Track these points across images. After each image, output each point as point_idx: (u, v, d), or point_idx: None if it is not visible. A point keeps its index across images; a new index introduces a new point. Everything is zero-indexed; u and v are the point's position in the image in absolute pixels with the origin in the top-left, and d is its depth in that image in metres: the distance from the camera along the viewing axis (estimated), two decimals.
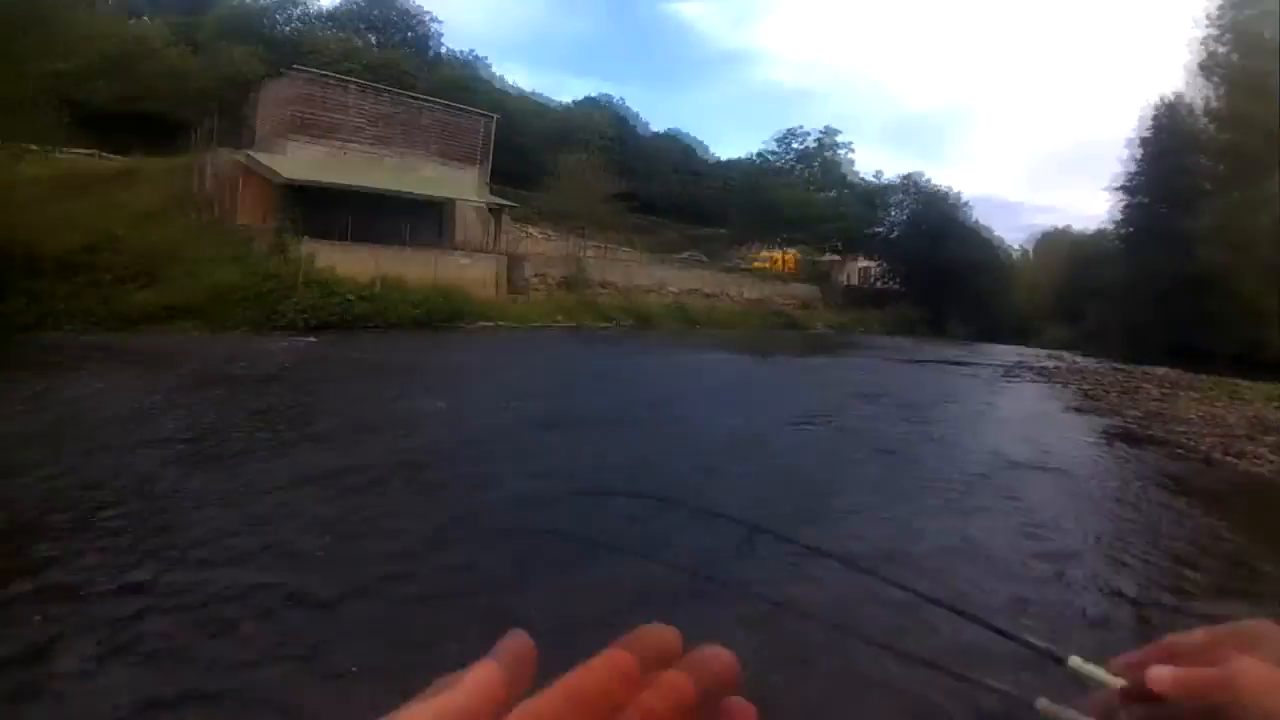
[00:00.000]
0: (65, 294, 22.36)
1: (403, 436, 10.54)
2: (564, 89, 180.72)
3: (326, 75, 37.98)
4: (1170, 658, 0.60)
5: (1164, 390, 23.54)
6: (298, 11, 61.54)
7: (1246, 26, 50.49)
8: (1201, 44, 55.29)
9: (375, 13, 62.90)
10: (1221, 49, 53.96)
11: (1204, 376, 27.56)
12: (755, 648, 4.60)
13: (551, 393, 16.17)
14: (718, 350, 29.29)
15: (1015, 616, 5.72)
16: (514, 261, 37.87)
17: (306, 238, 28.34)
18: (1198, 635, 0.62)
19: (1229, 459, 13.15)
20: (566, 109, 74.59)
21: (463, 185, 40.46)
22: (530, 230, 49.36)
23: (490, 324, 31.47)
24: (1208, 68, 55.31)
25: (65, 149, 29.67)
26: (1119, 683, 0.61)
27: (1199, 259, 50.57)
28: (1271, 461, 12.84)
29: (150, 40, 46.05)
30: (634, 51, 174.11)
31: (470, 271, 34.19)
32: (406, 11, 64.88)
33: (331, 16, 62.56)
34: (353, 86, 38.13)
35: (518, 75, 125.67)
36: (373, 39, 60.52)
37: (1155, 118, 65.09)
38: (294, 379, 15.80)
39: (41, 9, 21.61)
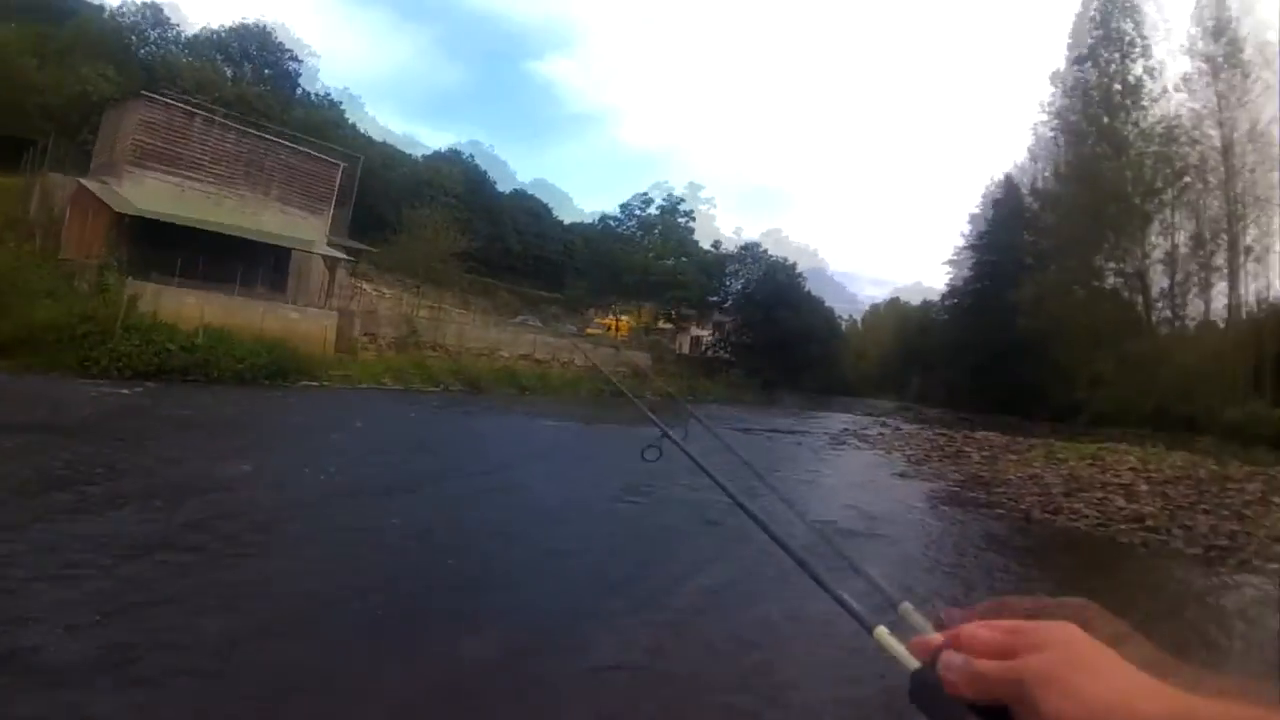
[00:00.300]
0: None
1: (195, 503, 10.11)
2: (421, 141, 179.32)
3: (175, 103, 36.94)
4: (993, 618, 0.65)
5: (985, 454, 24.94)
6: (157, 34, 59.43)
7: (1079, 111, 56.50)
8: (1033, 128, 61.75)
9: (235, 45, 61.54)
10: (1051, 133, 60.20)
11: (1022, 439, 29.03)
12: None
13: (363, 460, 16.07)
14: (546, 418, 29.72)
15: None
16: (346, 318, 37.43)
17: (131, 278, 27.43)
18: (1021, 606, 0.67)
19: (1048, 516, 14.37)
20: (418, 161, 74.58)
21: (306, 233, 39.79)
22: (365, 285, 48.89)
23: (315, 383, 30.95)
24: (1035, 151, 61.67)
25: None
26: (913, 663, 0.65)
27: (1019, 328, 55.96)
28: (1087, 516, 14.14)
29: (6, 47, 43.45)
30: (495, 108, 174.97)
31: (301, 325, 33.59)
32: (269, 47, 63.78)
33: (191, 44, 60.64)
34: (200, 119, 37.13)
35: (376, 123, 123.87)
36: (229, 72, 58.92)
37: (987, 196, 71.21)
38: (99, 433, 15.20)
39: None
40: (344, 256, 40.69)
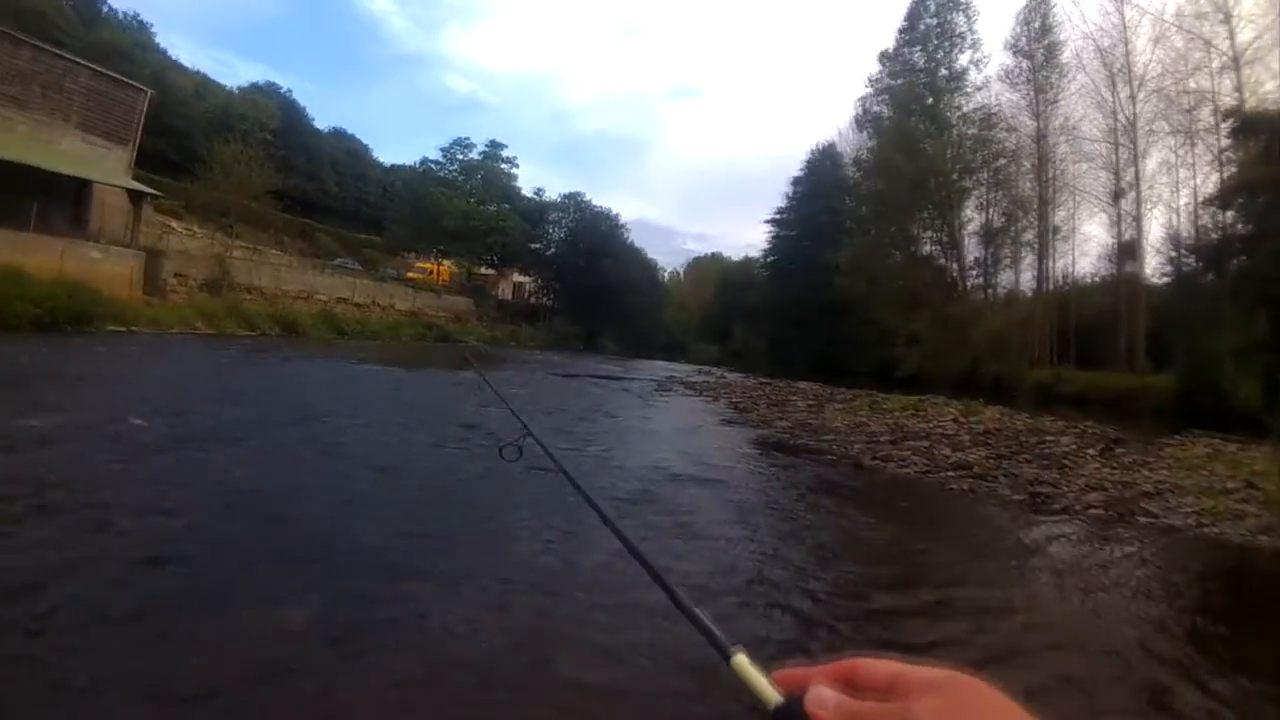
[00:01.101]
0: None
1: None
2: (233, 72, 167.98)
3: None
4: (845, 681, 0.60)
5: (810, 403, 25.44)
6: None
7: (903, 90, 60.63)
8: (860, 101, 65.67)
9: None
10: (877, 108, 64.15)
11: (845, 390, 29.77)
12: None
13: (178, 408, 14.90)
14: (367, 364, 28.95)
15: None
16: (153, 258, 35.34)
17: None
18: (882, 666, 0.61)
19: (878, 463, 14.72)
20: (231, 93, 70.26)
21: (106, 165, 37.22)
22: (174, 224, 46.20)
23: (122, 329, 29.19)
24: (862, 122, 65.52)
25: None
26: (775, 698, 0.60)
27: (838, 288, 59.40)
28: (916, 463, 14.59)
29: None
30: (313, 41, 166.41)
31: (103, 266, 31.53)
32: None
33: None
34: None
35: (182, 50, 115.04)
36: None
37: (809, 162, 74.04)
38: None
39: None
40: (151, 191, 38.25)
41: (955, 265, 59.33)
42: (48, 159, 32.86)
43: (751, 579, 7.22)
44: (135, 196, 37.08)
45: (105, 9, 61.69)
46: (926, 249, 62.03)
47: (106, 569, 5.99)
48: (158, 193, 40.22)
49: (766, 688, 0.62)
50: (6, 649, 4.54)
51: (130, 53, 52.85)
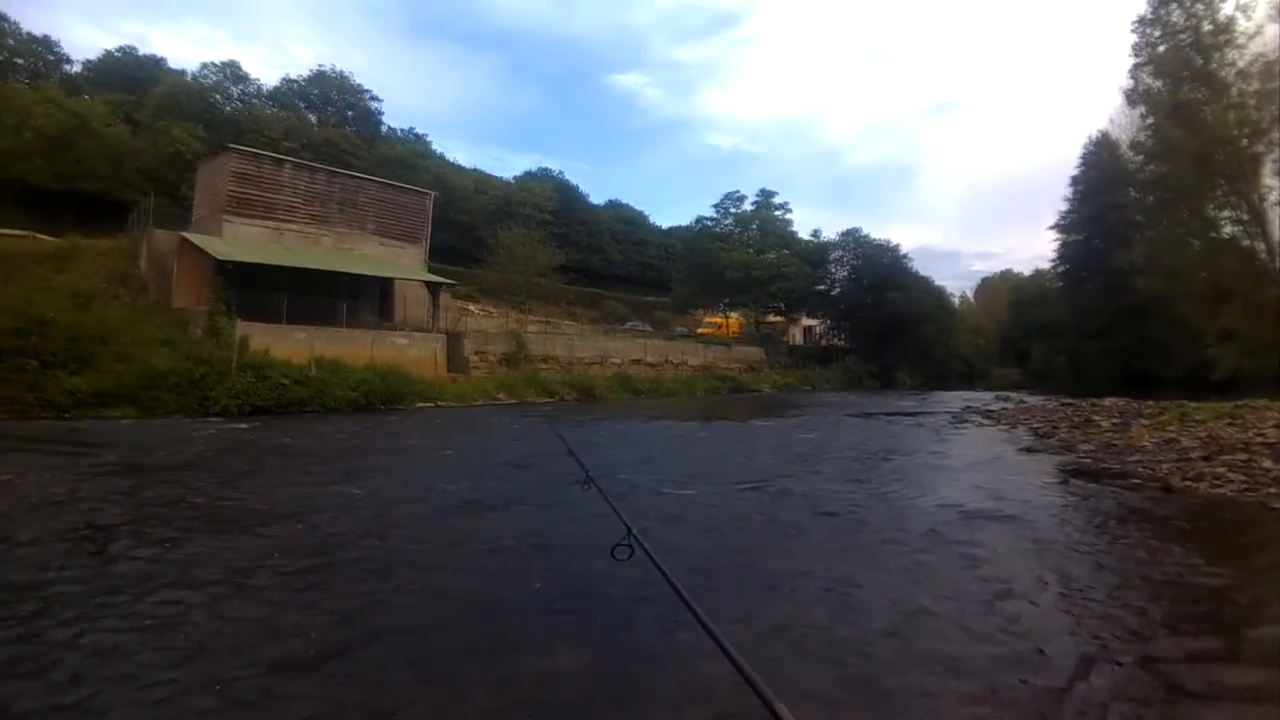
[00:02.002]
0: None
1: (307, 525, 10.10)
2: (506, 165, 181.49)
3: (263, 153, 38.07)
4: None
5: (1115, 421, 23.11)
6: (239, 90, 61.99)
7: (1171, 56, 53.08)
8: (1130, 76, 58.15)
9: (316, 91, 63.56)
10: (1147, 80, 56.66)
11: (1153, 402, 26.94)
12: None
13: (482, 473, 15.72)
14: (660, 419, 29.08)
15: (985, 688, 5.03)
16: (454, 339, 37.86)
17: (241, 320, 28.17)
18: None
19: (1189, 483, 12.92)
20: (508, 183, 75.09)
21: (403, 263, 40.63)
22: (470, 307, 49.37)
23: (430, 404, 31.20)
24: (1134, 99, 57.95)
25: None
26: None
27: (1137, 289, 52.97)
28: (1232, 481, 12.64)
29: (90, 118, 45.75)
30: (575, 125, 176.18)
31: (409, 351, 34.14)
32: (348, 90, 65.39)
33: (273, 95, 63.25)
34: (289, 165, 38.22)
35: (459, 153, 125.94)
36: (313, 118, 60.87)
37: (1085, 156, 67.86)
38: (215, 467, 15.33)
39: None
40: (445, 280, 41.12)
41: (1262, 245, 50.82)
42: (352, 264, 36.34)
43: (1034, 625, 6.30)
44: (432, 287, 39.92)
45: (385, 128, 68.67)
46: (1227, 230, 53.65)
47: (413, 616, 6.58)
48: (452, 281, 43.18)
49: None
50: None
51: (411, 162, 58.14)
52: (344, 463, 16.38)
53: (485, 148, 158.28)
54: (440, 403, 31.85)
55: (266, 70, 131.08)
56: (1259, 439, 16.23)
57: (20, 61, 53.07)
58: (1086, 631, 6.18)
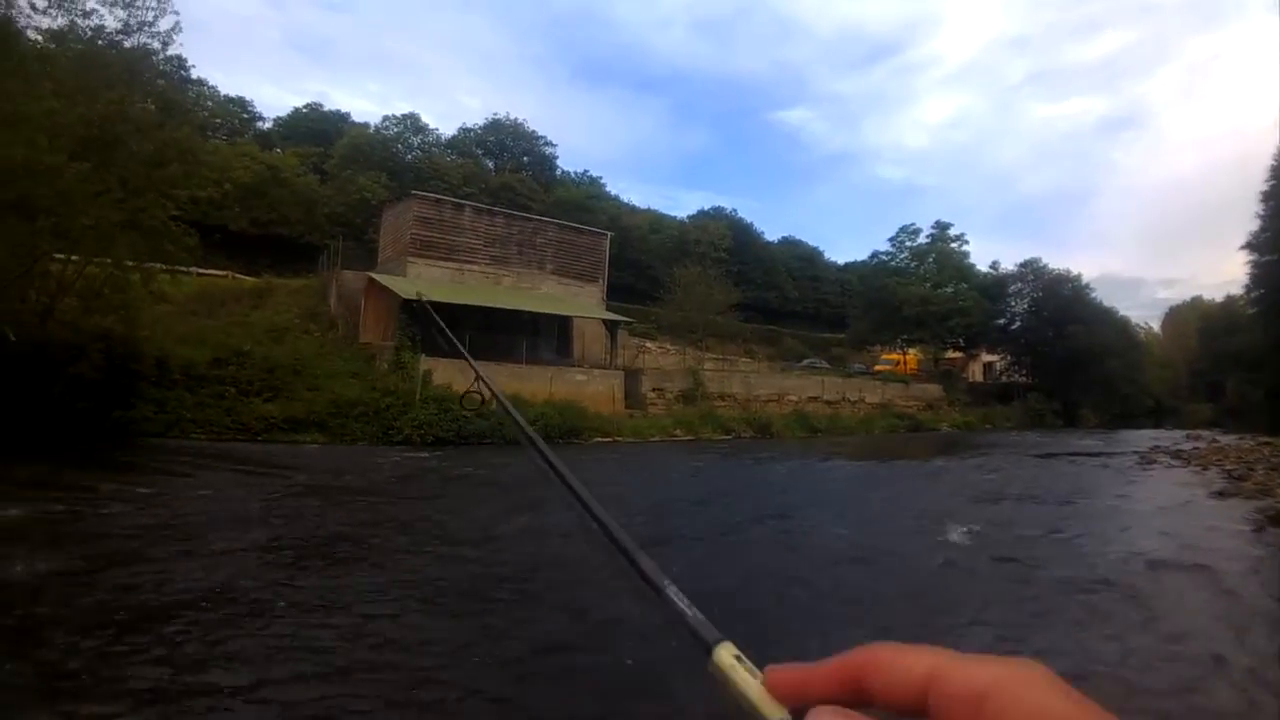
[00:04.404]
0: (192, 404, 23.43)
1: (480, 551, 10.32)
2: (679, 204, 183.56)
3: (444, 199, 39.42)
4: (855, 685, 0.44)
5: None
6: (419, 140, 65.22)
7: None
8: None
9: (492, 139, 66.17)
10: None
11: None
12: None
13: (657, 508, 15.43)
14: (838, 458, 28.13)
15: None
16: (631, 376, 37.72)
17: (425, 355, 28.70)
18: (909, 660, 0.43)
19: None
20: (682, 222, 75.45)
21: (581, 302, 41.09)
22: (648, 344, 49.46)
23: (608, 439, 31.06)
24: None
25: (200, 270, 31.30)
26: (775, 713, 0.45)
27: None
28: None
29: (282, 169, 49.09)
30: (745, 162, 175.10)
31: (588, 387, 34.13)
32: (522, 136, 67.60)
33: (451, 144, 66.18)
34: (469, 209, 39.44)
35: (633, 193, 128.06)
36: (490, 164, 63.14)
37: (1274, 167, 62.27)
38: (396, 492, 15.88)
39: (186, 142, 22.91)
40: (622, 319, 41.14)
41: None
42: (531, 302, 36.80)
43: (1219, 689, 5.84)
44: (610, 325, 40.02)
45: (559, 172, 70.47)
46: None
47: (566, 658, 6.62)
48: (629, 319, 43.20)
49: (761, 694, 0.48)
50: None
51: (587, 204, 59.32)
52: (522, 493, 16.27)
53: (658, 187, 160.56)
54: (618, 438, 31.66)
55: (441, 121, 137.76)
56: None
57: (219, 121, 57.32)
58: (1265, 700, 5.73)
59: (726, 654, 0.48)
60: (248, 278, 38.51)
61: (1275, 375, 59.52)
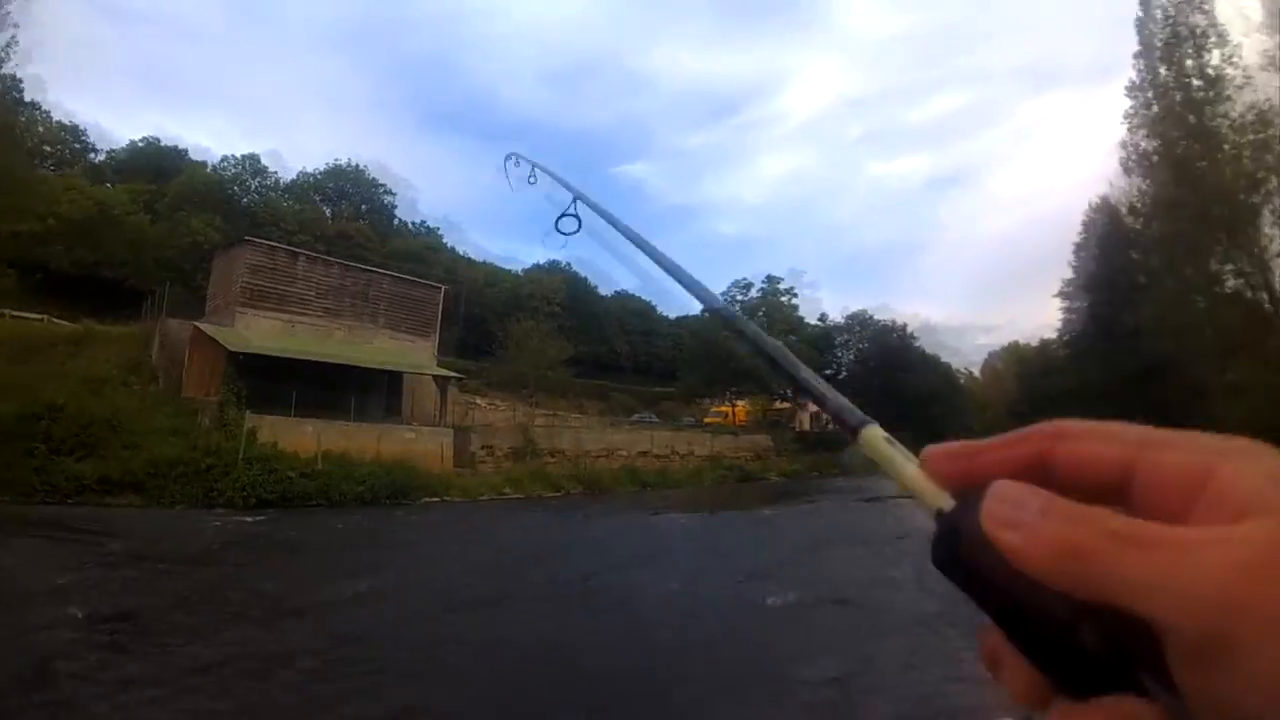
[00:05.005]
0: None
1: (309, 622, 10.10)
2: (517, 257, 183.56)
3: (278, 246, 38.68)
4: (1038, 467, 0.39)
5: None
6: (257, 183, 63.43)
7: (1164, 115, 54.21)
8: (1121, 144, 59.33)
9: (331, 185, 65.15)
10: (1143, 143, 57.60)
11: None
12: None
13: (489, 568, 15.61)
14: (669, 512, 28.88)
15: None
16: (461, 434, 37.66)
17: (250, 411, 28.11)
18: (1103, 436, 0.39)
19: None
20: (518, 276, 76.05)
21: (413, 357, 40.87)
22: (478, 401, 49.34)
23: (436, 499, 30.94)
24: (1128, 165, 58.92)
25: (14, 312, 29.63)
26: (941, 500, 0.40)
27: (1144, 351, 53.16)
28: None
29: (112, 206, 46.85)
30: (584, 215, 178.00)
31: (417, 445, 33.93)
32: (363, 183, 66.91)
33: (290, 188, 64.64)
34: (303, 258, 38.80)
35: (469, 245, 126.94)
36: (328, 211, 62.08)
37: (1085, 223, 68.87)
38: (219, 560, 15.49)
39: (19, 171, 21.68)
40: (454, 375, 41.20)
41: (1265, 296, 51.00)
42: (362, 357, 36.49)
43: None
44: (441, 380, 40.02)
45: (398, 222, 69.91)
46: (1230, 285, 54.16)
47: None
48: (461, 375, 43.23)
49: (922, 481, 0.44)
50: None
51: (424, 255, 58.98)
52: (351, 557, 16.28)
53: (497, 240, 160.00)
54: (447, 497, 31.56)
55: (280, 162, 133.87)
56: None
57: (48, 149, 54.36)
58: None
59: (875, 435, 0.47)
60: (65, 322, 36.23)
61: (1082, 409, 64.34)
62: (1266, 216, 50.07)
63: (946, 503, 0.39)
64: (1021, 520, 0.33)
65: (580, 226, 1.83)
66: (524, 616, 10.79)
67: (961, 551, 0.37)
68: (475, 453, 37.77)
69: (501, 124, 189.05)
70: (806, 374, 0.61)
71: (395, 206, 69.89)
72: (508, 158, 2.16)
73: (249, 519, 22.33)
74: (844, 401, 0.54)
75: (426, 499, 30.62)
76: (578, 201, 1.84)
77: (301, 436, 28.71)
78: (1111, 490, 0.35)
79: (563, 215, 1.86)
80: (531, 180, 2.20)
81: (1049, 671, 0.35)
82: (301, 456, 27.73)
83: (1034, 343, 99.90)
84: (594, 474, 41.57)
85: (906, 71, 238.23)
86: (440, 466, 34.21)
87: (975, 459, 0.40)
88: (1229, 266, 52.57)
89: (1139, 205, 59.48)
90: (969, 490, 0.38)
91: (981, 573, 0.35)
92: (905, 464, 0.44)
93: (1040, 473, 0.37)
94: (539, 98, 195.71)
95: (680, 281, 0.89)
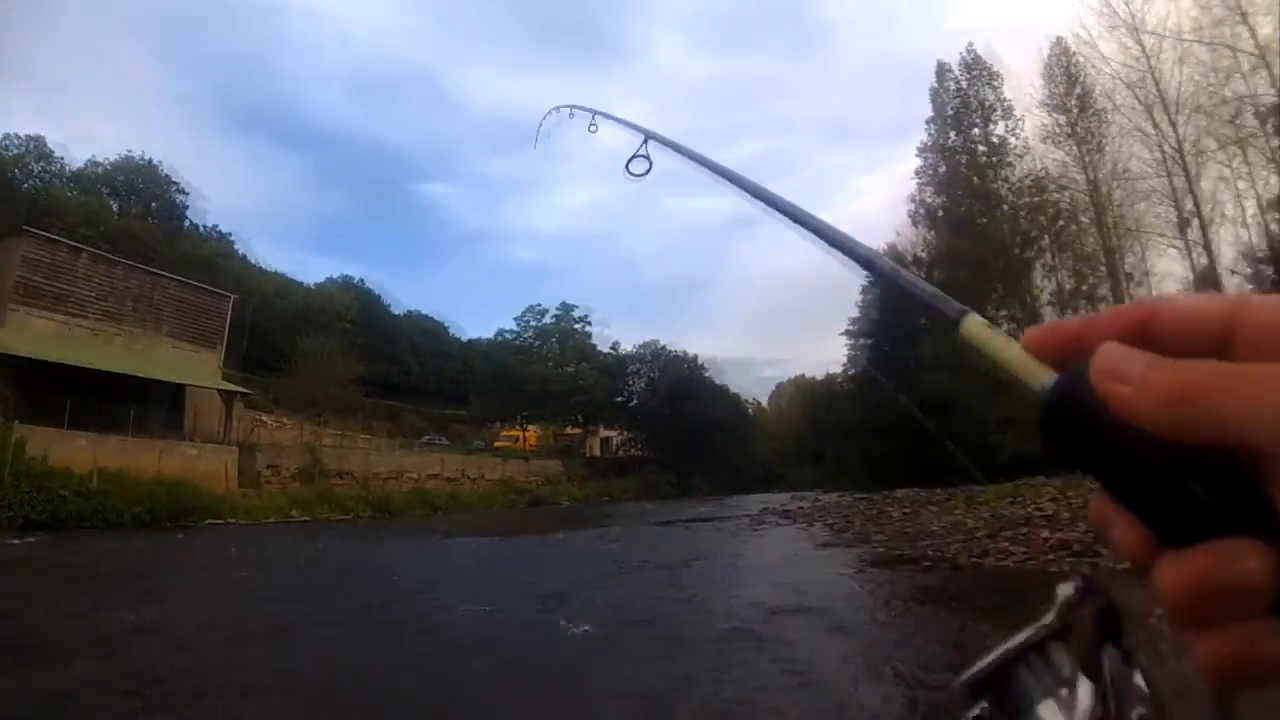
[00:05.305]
0: None
1: (87, 657, 9.26)
2: (308, 270, 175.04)
3: (59, 240, 35.93)
4: (1137, 335, 0.38)
5: (906, 511, 24.78)
6: (41, 168, 58.44)
7: (947, 176, 60.61)
8: (910, 198, 66.04)
9: (121, 178, 60.69)
10: (930, 199, 64.06)
11: (942, 490, 29.10)
12: None
13: (279, 594, 15.09)
14: (461, 536, 28.66)
15: None
16: (246, 452, 36.29)
17: (18, 422, 26.10)
18: (1199, 304, 0.38)
19: (975, 560, 14.22)
20: (310, 289, 73.62)
21: (197, 369, 38.89)
22: (265, 418, 47.32)
23: (220, 521, 29.62)
24: (916, 218, 65.42)
25: None
26: (1041, 373, 0.42)
27: (925, 386, 58.56)
28: (1014, 553, 14.02)
29: None
30: (381, 232, 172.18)
31: (200, 463, 32.43)
32: (155, 180, 62.76)
33: (76, 177, 59.84)
34: (86, 255, 36.26)
35: (261, 252, 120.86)
36: (115, 206, 57.97)
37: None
38: None
39: None
40: (240, 390, 39.59)
41: None
42: (142, 367, 34.43)
43: (845, 706, 6.96)
44: (226, 395, 38.33)
45: (187, 224, 65.78)
46: (1005, 329, 60.72)
47: None
48: (247, 390, 41.54)
49: (1024, 357, 0.43)
50: None
51: (213, 262, 55.60)
52: (132, 585, 15.47)
53: (289, 249, 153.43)
54: (231, 519, 30.28)
55: (64, 147, 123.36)
56: (1037, 513, 18.06)
57: None
58: (882, 701, 6.97)
59: (975, 323, 0.48)
60: None
61: (868, 441, 70.07)
62: (1038, 270, 57.62)
63: (1049, 378, 0.40)
64: (1132, 373, 0.35)
65: (651, 167, 1.88)
66: (318, 645, 10.29)
67: (1070, 417, 0.38)
68: (261, 472, 36.54)
69: (304, 130, 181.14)
70: (888, 264, 0.66)
71: (187, 206, 65.90)
72: (558, 109, 2.30)
73: (15, 541, 20.68)
74: (937, 292, 0.57)
75: (210, 521, 29.30)
76: (649, 142, 1.86)
77: (75, 451, 26.85)
78: (1213, 347, 0.35)
79: (633, 157, 1.90)
80: (592, 128, 2.33)
81: (1156, 525, 0.36)
82: (75, 473, 25.93)
83: (820, 376, 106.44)
84: (384, 497, 40.96)
85: (712, 115, 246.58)
86: (224, 486, 32.85)
87: (1075, 334, 0.41)
88: (1004, 312, 59.68)
89: (922, 255, 66.24)
90: (1072, 362, 0.39)
91: (1090, 434, 0.37)
92: (1007, 345, 0.45)
93: (1140, 343, 0.37)
94: (345, 107, 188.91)
95: (777, 207, 1.01)
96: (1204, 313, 0.37)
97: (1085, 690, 0.43)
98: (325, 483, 39.34)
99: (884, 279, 0.65)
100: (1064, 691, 0.44)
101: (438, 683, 8.50)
